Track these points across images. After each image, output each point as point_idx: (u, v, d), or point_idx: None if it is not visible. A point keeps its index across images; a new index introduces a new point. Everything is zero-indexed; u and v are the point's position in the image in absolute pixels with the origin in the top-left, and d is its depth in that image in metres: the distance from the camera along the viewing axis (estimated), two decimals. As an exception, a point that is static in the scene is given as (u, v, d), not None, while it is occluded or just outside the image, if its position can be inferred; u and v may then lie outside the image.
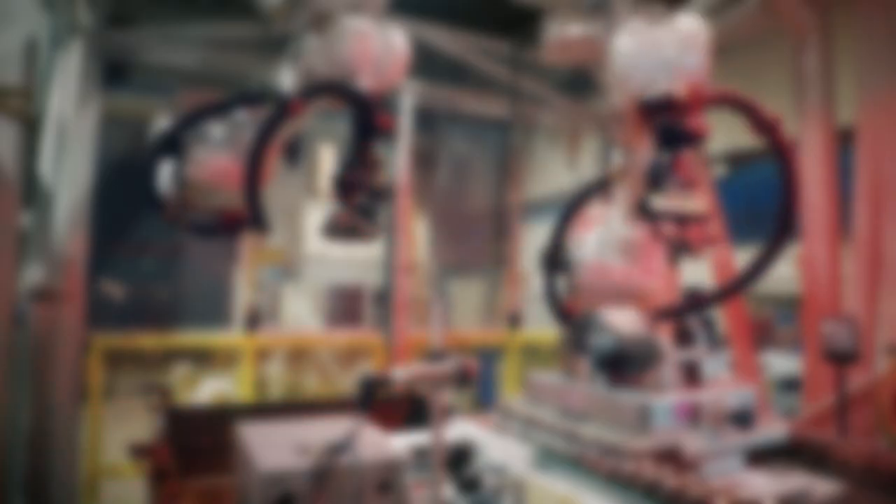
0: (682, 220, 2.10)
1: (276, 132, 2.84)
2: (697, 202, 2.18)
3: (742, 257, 2.46)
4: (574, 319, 2.32)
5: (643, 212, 2.14)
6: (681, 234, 2.07)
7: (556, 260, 2.85)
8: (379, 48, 3.04)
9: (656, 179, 2.12)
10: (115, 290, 4.76)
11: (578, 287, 2.64)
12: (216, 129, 3.25)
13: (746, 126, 2.40)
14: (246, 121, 3.34)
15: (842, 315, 2.44)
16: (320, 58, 3.00)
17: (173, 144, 2.99)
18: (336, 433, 1.53)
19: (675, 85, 2.19)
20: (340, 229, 3.02)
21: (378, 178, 3.01)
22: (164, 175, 3.21)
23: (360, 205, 3.00)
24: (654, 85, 2.19)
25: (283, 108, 2.75)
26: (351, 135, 3.04)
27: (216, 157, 3.07)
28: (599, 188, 2.86)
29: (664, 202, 2.12)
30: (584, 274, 2.59)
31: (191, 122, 3.00)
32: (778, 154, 2.36)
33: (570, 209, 2.91)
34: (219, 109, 3.02)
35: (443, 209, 6.06)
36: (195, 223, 3.12)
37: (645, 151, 2.44)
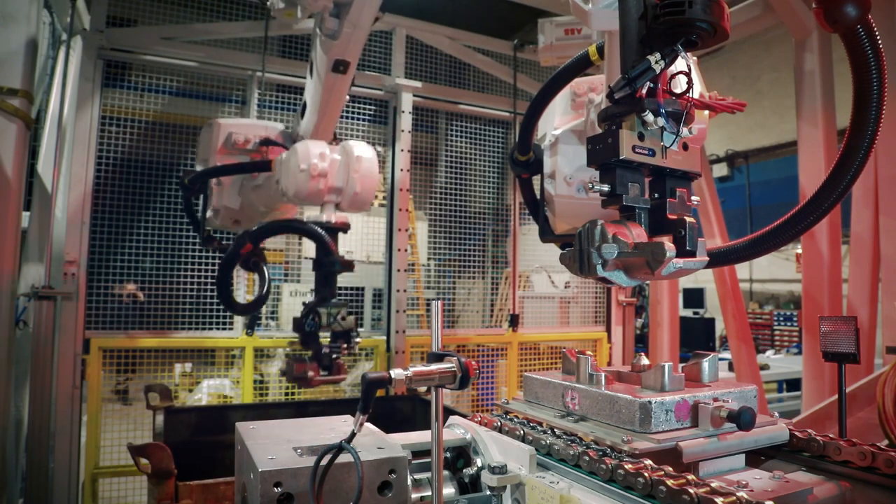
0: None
1: (235, 264, 3.45)
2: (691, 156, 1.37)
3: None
4: (571, 235, 1.71)
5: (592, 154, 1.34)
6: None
7: (524, 162, 2.29)
8: (342, 170, 3.34)
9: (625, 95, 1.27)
10: (135, 291, 4.81)
11: (552, 206, 2.19)
12: (229, 181, 3.81)
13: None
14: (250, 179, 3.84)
15: (842, 315, 2.43)
16: (287, 182, 3.33)
17: (200, 187, 3.64)
18: (336, 433, 1.53)
19: None
20: (294, 377, 3.48)
21: (340, 320, 3.28)
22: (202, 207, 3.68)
23: (321, 353, 3.32)
24: None
25: (238, 247, 3.28)
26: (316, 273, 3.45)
27: (230, 200, 3.70)
28: (581, 67, 2.16)
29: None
30: (557, 200, 2.11)
31: (210, 174, 3.60)
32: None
33: (544, 97, 2.21)
34: (232, 170, 3.61)
35: (443, 209, 6.06)
36: (222, 246, 3.82)
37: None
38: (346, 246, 5.77)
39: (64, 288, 4.31)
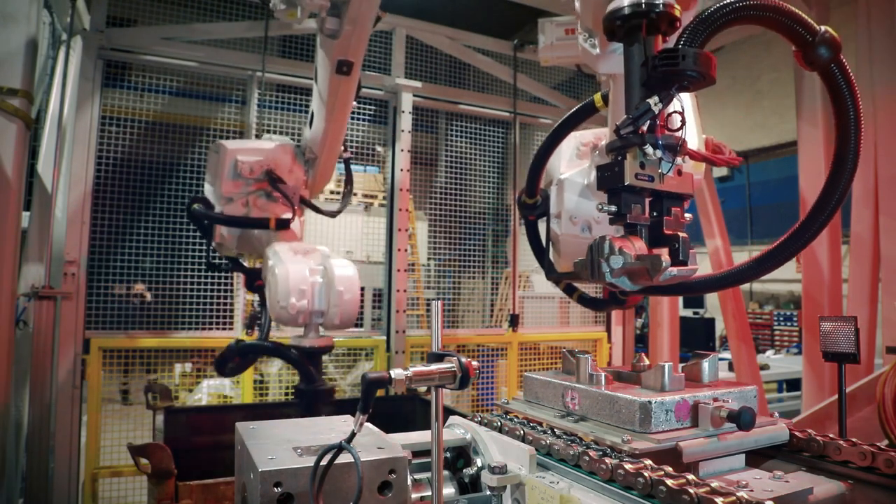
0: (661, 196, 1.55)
1: (229, 362, 3.54)
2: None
3: (740, 257, 2.43)
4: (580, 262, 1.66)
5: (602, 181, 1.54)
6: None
7: (532, 205, 2.42)
8: (324, 293, 3.23)
9: (627, 135, 1.46)
10: (143, 291, 4.82)
11: (557, 245, 2.29)
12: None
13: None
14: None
15: (842, 315, 2.43)
16: (269, 305, 3.31)
17: (206, 222, 3.72)
18: (336, 433, 1.53)
19: None
20: None
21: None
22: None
23: None
24: None
25: (229, 357, 3.45)
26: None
27: (229, 242, 3.76)
28: (586, 114, 2.29)
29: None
30: (563, 238, 2.23)
31: (211, 220, 3.69)
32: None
33: (551, 142, 2.35)
34: (231, 223, 3.68)
35: (443, 209, 6.06)
36: (234, 262, 3.95)
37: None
38: (346, 246, 5.79)
39: (64, 288, 4.31)
